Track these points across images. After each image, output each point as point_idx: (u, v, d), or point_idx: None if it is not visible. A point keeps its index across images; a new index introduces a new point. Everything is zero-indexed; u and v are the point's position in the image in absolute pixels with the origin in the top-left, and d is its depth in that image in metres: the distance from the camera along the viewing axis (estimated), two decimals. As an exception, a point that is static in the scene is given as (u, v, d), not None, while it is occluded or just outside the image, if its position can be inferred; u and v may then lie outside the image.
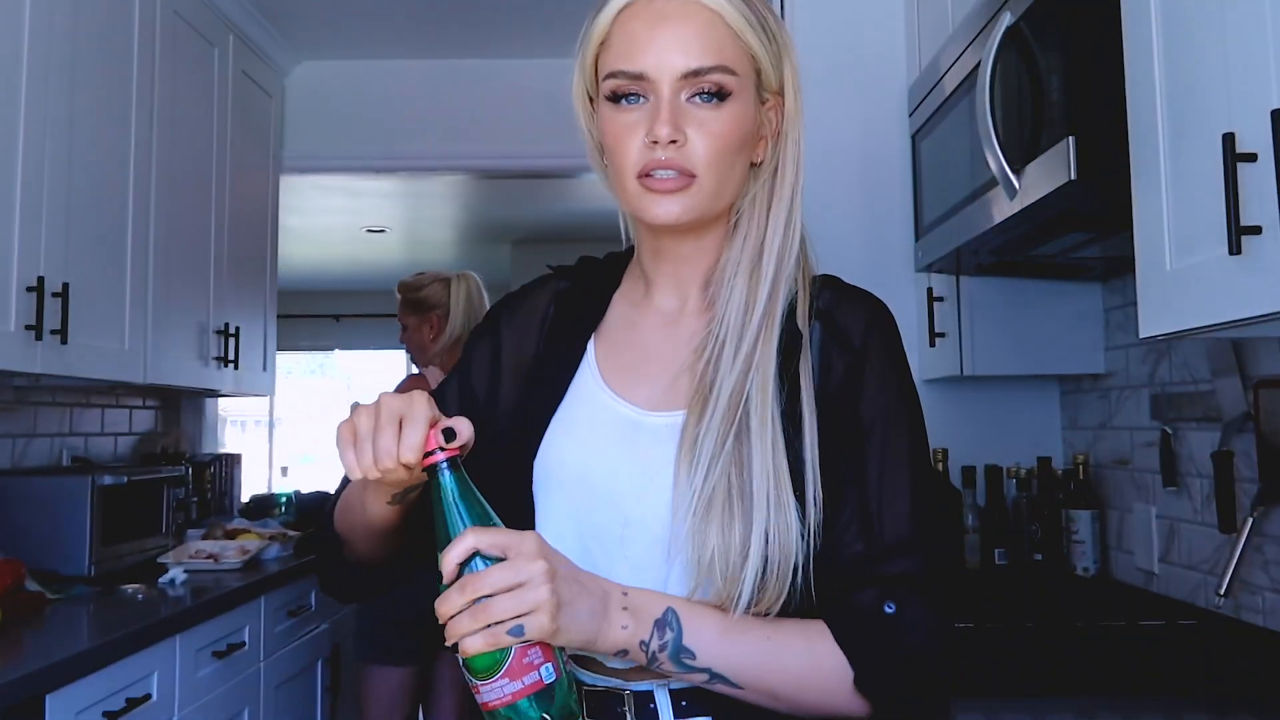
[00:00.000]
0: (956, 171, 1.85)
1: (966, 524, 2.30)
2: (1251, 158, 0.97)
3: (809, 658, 0.88)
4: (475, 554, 0.80)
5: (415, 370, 3.04)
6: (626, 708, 0.92)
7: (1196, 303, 1.10)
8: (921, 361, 2.34)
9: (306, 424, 9.09)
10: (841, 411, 0.93)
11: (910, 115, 2.21)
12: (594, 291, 1.07)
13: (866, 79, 2.46)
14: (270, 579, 2.62)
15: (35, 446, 2.76)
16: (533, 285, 1.10)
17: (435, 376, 2.77)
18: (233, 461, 3.80)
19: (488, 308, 1.79)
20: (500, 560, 0.80)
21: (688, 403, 0.94)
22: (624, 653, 0.86)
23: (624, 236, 1.07)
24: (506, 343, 1.06)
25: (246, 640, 2.49)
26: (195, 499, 3.38)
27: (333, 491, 1.06)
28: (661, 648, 0.85)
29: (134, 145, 2.57)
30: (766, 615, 0.88)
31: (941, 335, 2.22)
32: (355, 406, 0.85)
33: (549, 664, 0.81)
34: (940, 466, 2.28)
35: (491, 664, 0.80)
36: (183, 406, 3.69)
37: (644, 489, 0.93)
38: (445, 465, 0.83)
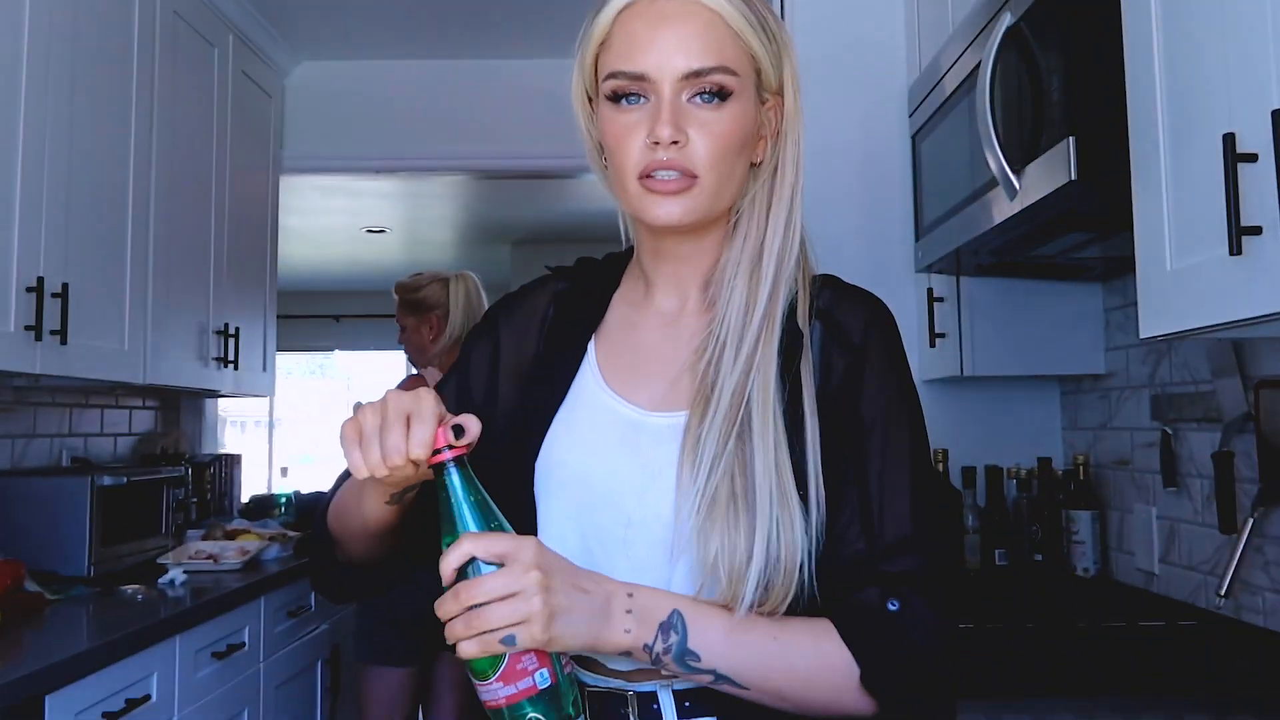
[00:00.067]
0: (956, 172, 1.85)
1: (967, 524, 2.30)
2: (1252, 158, 0.97)
3: (815, 657, 0.88)
4: (473, 559, 0.80)
5: (415, 371, 3.04)
6: (630, 709, 0.91)
7: (1197, 303, 1.10)
8: (921, 362, 2.34)
9: (306, 424, 9.10)
10: (842, 411, 0.93)
11: (910, 115, 2.21)
12: (593, 292, 1.07)
13: (866, 79, 2.46)
14: (270, 579, 2.62)
15: (35, 447, 2.75)
16: (531, 286, 1.10)
17: (434, 377, 2.77)
18: (232, 462, 3.80)
19: (486, 308, 1.79)
20: (498, 566, 0.80)
21: (689, 403, 0.94)
22: (628, 654, 0.86)
23: (623, 237, 1.07)
24: (505, 343, 1.06)
25: (246, 641, 2.49)
26: (195, 499, 3.38)
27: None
28: (666, 650, 0.85)
29: (134, 145, 2.57)
30: (773, 615, 0.88)
31: (941, 335, 2.22)
32: (358, 406, 0.85)
33: (544, 670, 0.81)
34: (940, 467, 2.28)
35: (488, 666, 0.81)
36: (182, 407, 3.69)
37: (646, 489, 0.93)
38: (452, 463, 0.83)
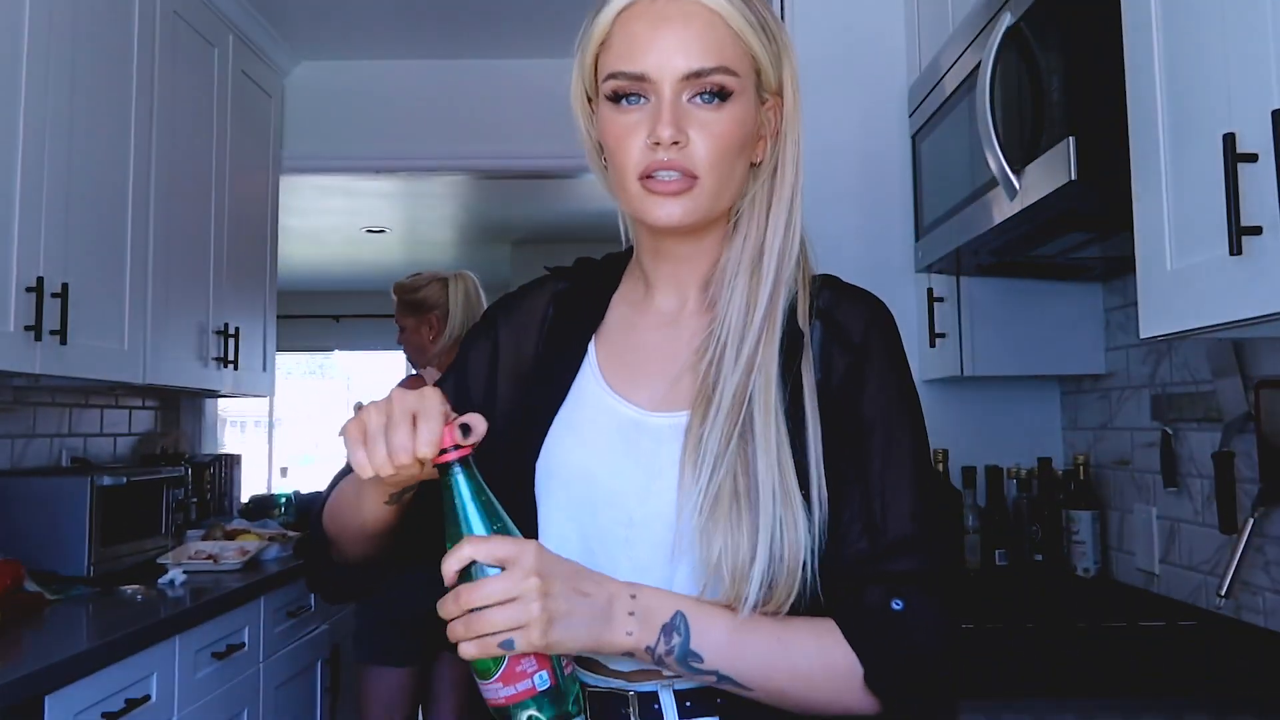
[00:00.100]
0: (956, 172, 1.85)
1: (967, 524, 2.30)
2: (1252, 158, 0.97)
3: (818, 656, 0.87)
4: (474, 561, 0.81)
5: (414, 371, 3.04)
6: (631, 709, 0.91)
7: (1197, 303, 1.10)
8: (921, 361, 2.34)
9: (306, 424, 9.10)
10: (843, 410, 0.94)
11: (910, 115, 2.20)
12: (593, 292, 1.07)
13: (866, 79, 2.46)
14: (270, 579, 2.62)
15: (34, 447, 2.75)
16: (530, 286, 1.10)
17: (434, 377, 2.77)
18: (232, 462, 3.80)
19: (485, 307, 1.79)
20: (500, 569, 0.81)
21: (690, 403, 0.94)
22: (630, 655, 0.86)
23: (623, 237, 1.07)
24: (504, 343, 1.06)
25: (246, 641, 2.49)
26: (195, 500, 3.37)
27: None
28: (668, 652, 0.85)
29: (134, 145, 2.57)
30: (776, 614, 0.88)
31: (941, 335, 2.22)
32: (359, 406, 0.85)
33: (543, 672, 0.82)
34: (940, 467, 2.28)
35: (490, 666, 0.82)
36: (182, 407, 3.69)
37: (648, 490, 0.93)
38: (458, 463, 0.83)
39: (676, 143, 0.90)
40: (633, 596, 0.85)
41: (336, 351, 9.03)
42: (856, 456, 0.93)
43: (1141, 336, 1.22)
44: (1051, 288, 2.19)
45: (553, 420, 0.99)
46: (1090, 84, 1.37)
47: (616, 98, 0.93)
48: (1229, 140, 0.99)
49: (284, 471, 8.68)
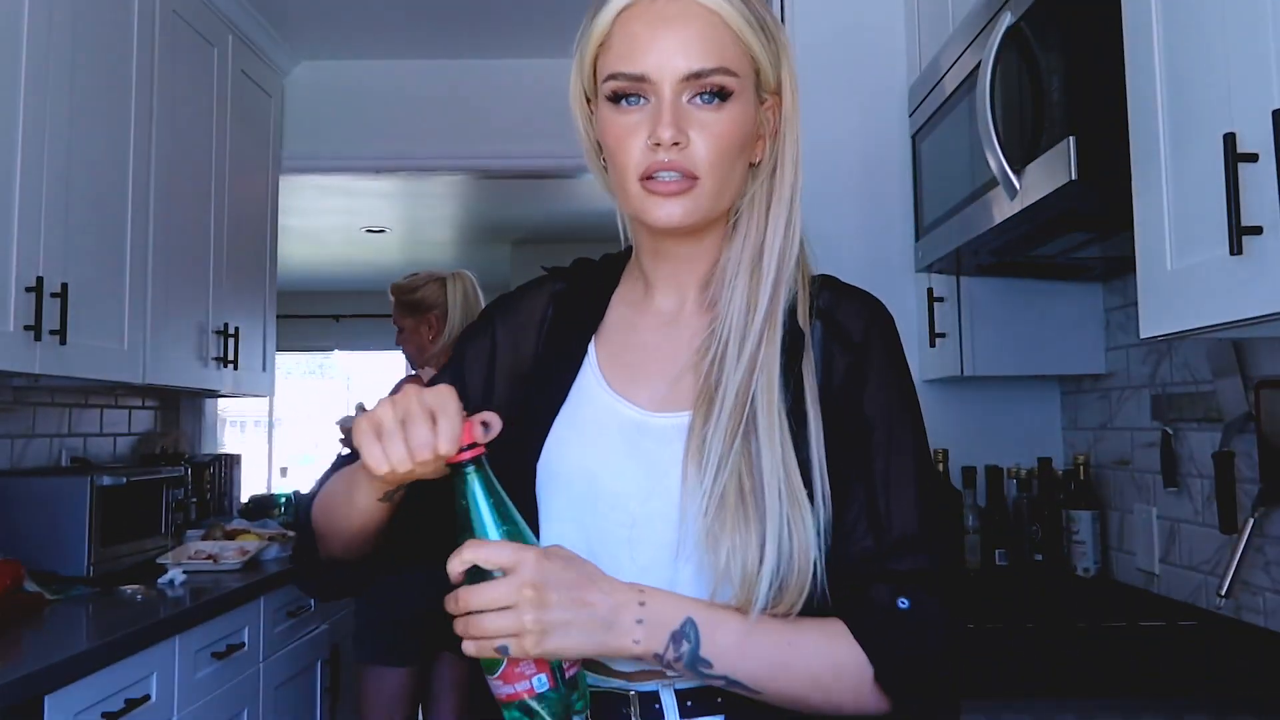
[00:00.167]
0: (957, 171, 1.85)
1: (967, 524, 2.30)
2: (1252, 158, 0.97)
3: (828, 657, 0.87)
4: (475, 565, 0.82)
5: (413, 371, 3.04)
6: (631, 708, 0.91)
7: (1197, 303, 1.09)
8: (921, 361, 2.33)
9: (306, 424, 9.09)
10: (844, 410, 0.94)
11: (910, 115, 2.20)
12: (592, 293, 1.06)
13: (866, 79, 2.46)
14: (269, 579, 2.62)
15: (34, 447, 2.75)
16: (529, 287, 1.10)
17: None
18: (232, 462, 3.80)
19: (483, 306, 1.79)
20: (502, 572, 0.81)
21: (692, 403, 0.94)
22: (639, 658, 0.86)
23: (622, 237, 1.07)
24: (502, 343, 1.06)
25: (246, 641, 2.49)
26: (194, 499, 3.37)
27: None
28: (677, 658, 0.85)
29: (133, 145, 2.57)
30: (787, 615, 0.87)
31: (941, 335, 2.22)
32: (360, 407, 0.85)
33: (541, 675, 0.82)
34: (940, 467, 2.28)
35: (491, 664, 0.83)
36: (182, 407, 3.69)
37: (650, 490, 0.93)
38: (472, 462, 0.83)
39: (677, 143, 0.90)
40: (641, 604, 0.85)
41: (336, 351, 9.03)
42: (858, 456, 0.93)
43: (1141, 336, 1.22)
44: (1051, 288, 2.19)
45: (553, 421, 0.99)
46: (1090, 84, 1.37)
47: (616, 98, 0.93)
48: (1229, 140, 0.99)
49: (284, 471, 8.68)
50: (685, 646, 0.85)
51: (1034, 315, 2.19)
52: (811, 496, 0.89)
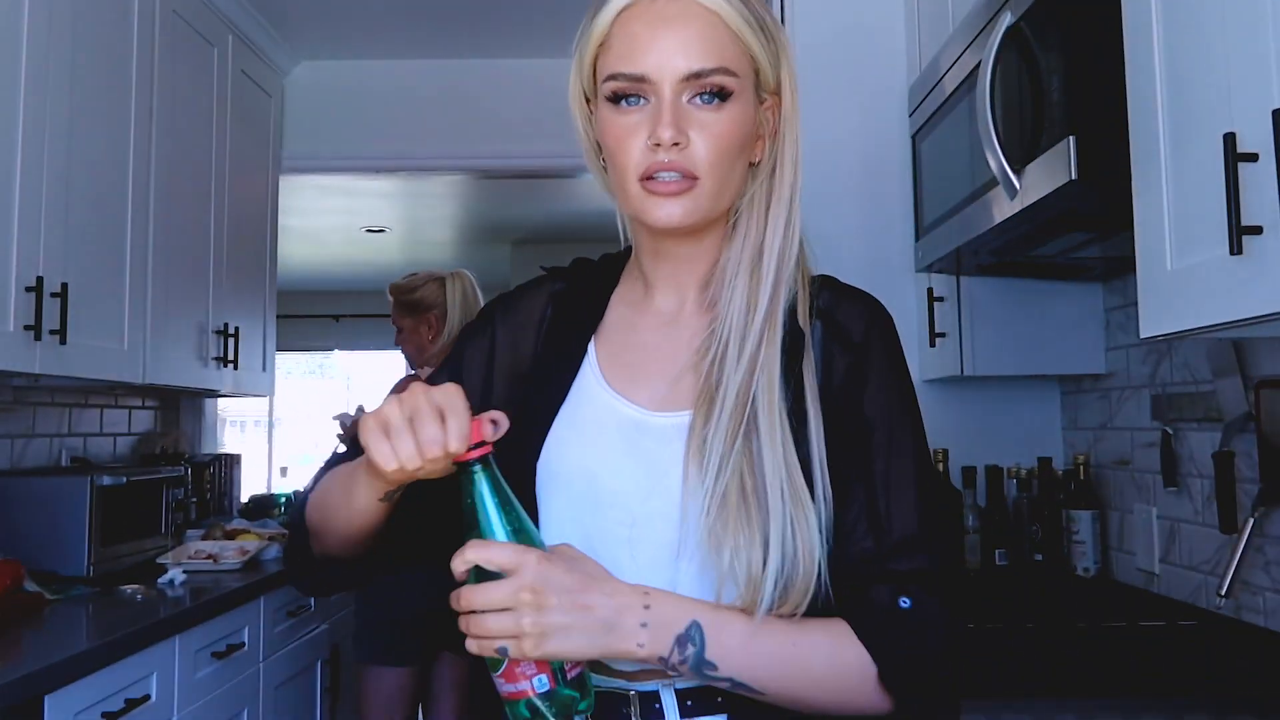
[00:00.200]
0: (957, 171, 1.85)
1: (967, 524, 2.30)
2: (1252, 157, 0.97)
3: (832, 658, 0.88)
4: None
5: (412, 371, 3.04)
6: (631, 708, 0.91)
7: (1197, 303, 1.09)
8: (921, 361, 2.33)
9: (306, 424, 9.09)
10: (844, 410, 0.94)
11: (910, 115, 2.20)
12: (591, 293, 1.06)
13: (866, 79, 2.46)
14: (269, 579, 2.62)
15: (34, 447, 2.75)
16: (527, 286, 1.10)
17: (434, 377, 2.76)
18: (232, 462, 3.80)
19: (482, 305, 1.79)
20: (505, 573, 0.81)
21: (692, 403, 0.94)
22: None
23: (621, 237, 1.07)
24: (501, 342, 1.06)
25: (246, 641, 2.49)
26: (194, 499, 3.37)
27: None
28: (682, 661, 0.85)
29: (133, 145, 2.57)
30: (793, 616, 0.87)
31: (941, 335, 2.22)
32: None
33: (541, 676, 0.82)
34: (940, 467, 2.28)
35: (494, 662, 0.83)
36: (182, 407, 3.69)
37: (651, 489, 0.93)
38: (481, 460, 0.83)
39: (677, 144, 0.90)
40: (646, 607, 0.85)
41: (336, 351, 9.03)
42: (858, 456, 0.93)
43: (1141, 336, 1.22)
44: (1051, 288, 2.19)
45: (553, 420, 0.99)
46: (1090, 84, 1.37)
47: (616, 99, 0.93)
48: (1229, 140, 0.99)
49: (284, 471, 8.67)
50: (690, 650, 0.85)
51: (1034, 315, 2.19)
52: (813, 496, 0.89)
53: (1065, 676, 1.47)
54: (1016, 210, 1.54)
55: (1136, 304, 1.22)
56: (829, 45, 2.45)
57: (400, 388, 2.55)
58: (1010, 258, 1.90)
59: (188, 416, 3.75)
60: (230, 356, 3.20)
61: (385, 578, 2.58)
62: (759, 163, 0.98)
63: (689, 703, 0.91)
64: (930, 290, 2.25)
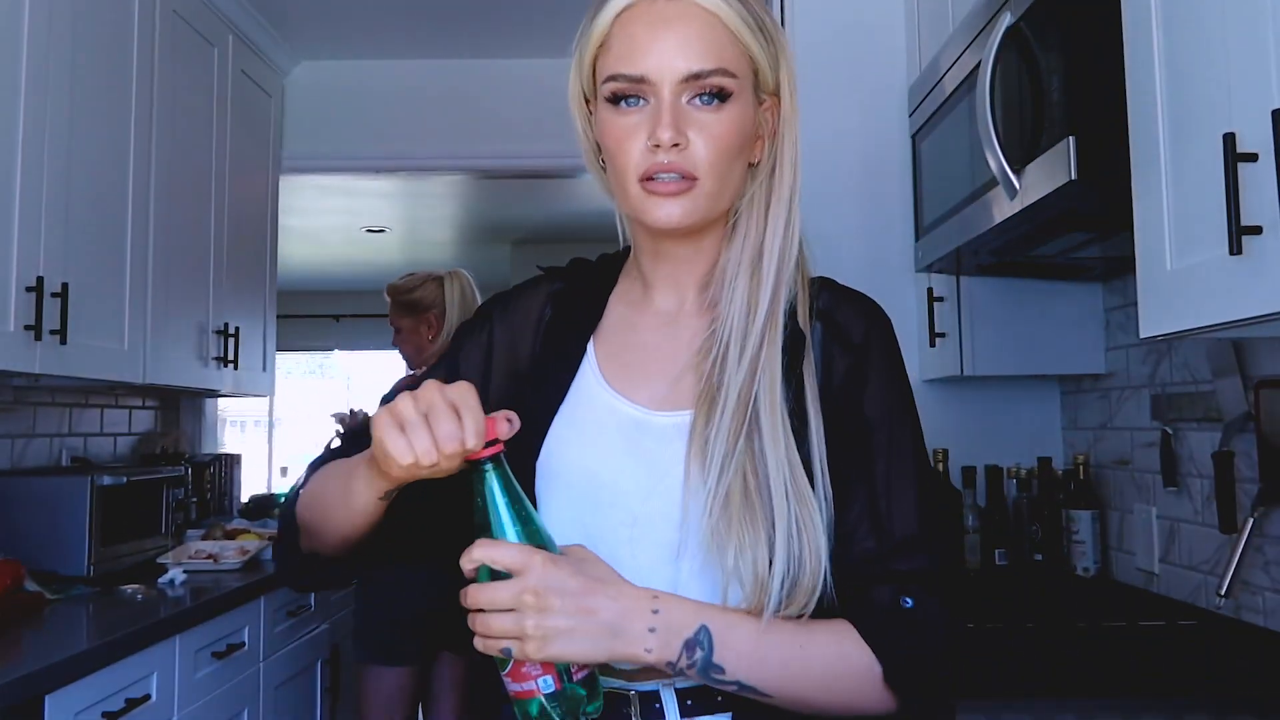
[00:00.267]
0: (956, 171, 1.85)
1: (967, 524, 2.30)
2: (1252, 157, 0.97)
3: (838, 660, 0.88)
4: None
5: (412, 371, 3.04)
6: (632, 708, 0.92)
7: (1197, 303, 1.10)
8: (921, 361, 2.34)
9: (306, 424, 9.09)
10: (844, 410, 0.94)
11: (910, 115, 2.20)
12: (590, 293, 1.06)
13: (866, 79, 2.46)
14: (270, 579, 2.62)
15: (34, 447, 2.75)
16: (525, 286, 1.10)
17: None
18: (232, 462, 3.80)
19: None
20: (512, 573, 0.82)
21: (693, 402, 0.94)
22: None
23: (620, 237, 1.07)
24: (499, 340, 1.06)
25: (246, 641, 2.49)
26: (195, 499, 3.37)
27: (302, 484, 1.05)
28: (690, 666, 0.85)
29: (133, 145, 2.57)
30: (799, 617, 0.88)
31: (941, 335, 2.22)
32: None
33: (546, 677, 0.83)
34: (940, 466, 2.28)
35: (501, 661, 0.84)
36: (182, 407, 3.69)
37: (651, 489, 0.93)
38: (492, 460, 0.83)
39: (676, 144, 0.90)
40: (654, 611, 0.85)
41: (336, 351, 9.03)
42: (859, 456, 0.93)
43: (1141, 336, 1.22)
44: (1051, 288, 2.19)
45: (552, 420, 0.99)
46: (1090, 84, 1.37)
47: (615, 100, 0.93)
48: (1229, 140, 0.99)
49: (284, 471, 8.67)
50: (698, 654, 0.85)
51: (1034, 315, 2.19)
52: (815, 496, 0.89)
53: (1065, 676, 1.47)
54: (1016, 210, 1.54)
55: (1136, 304, 1.22)
56: (829, 45, 2.45)
57: (401, 388, 2.54)
58: (1010, 258, 1.90)
59: (188, 416, 3.75)
60: (230, 356, 3.20)
61: (385, 577, 2.59)
62: (758, 163, 0.98)
63: (689, 702, 0.91)
64: (930, 290, 2.25)
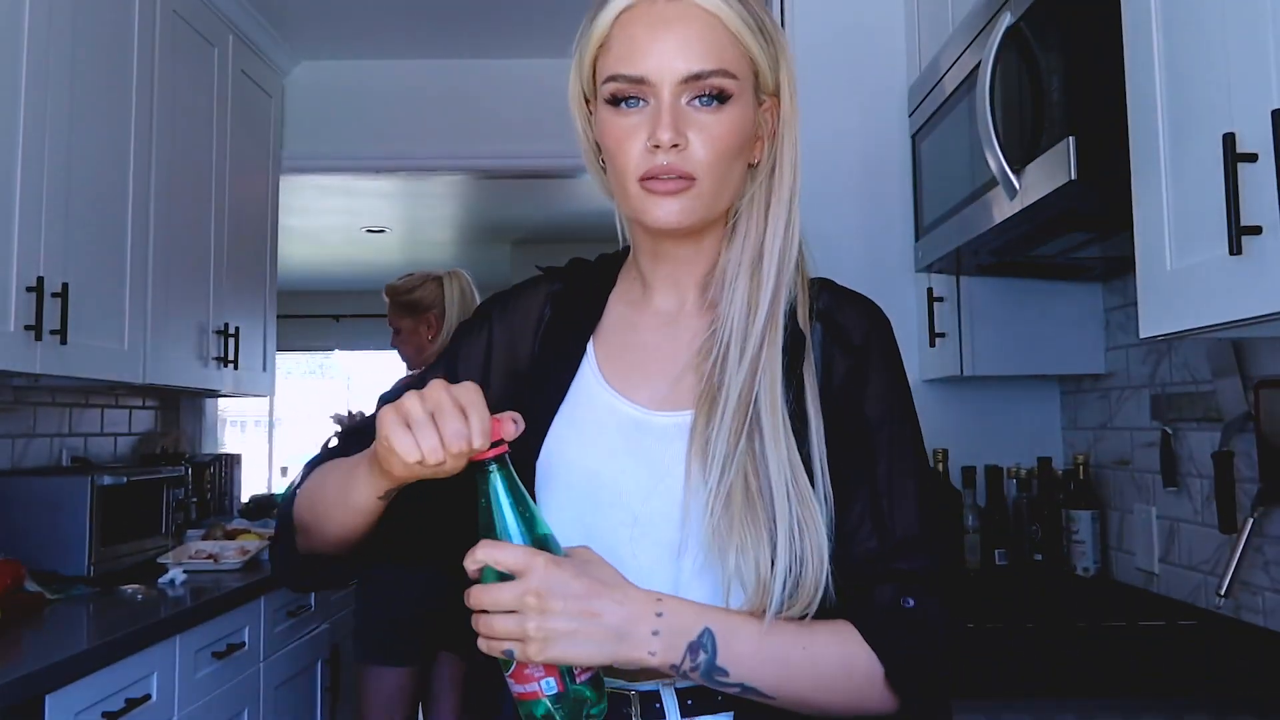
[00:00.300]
0: (956, 171, 1.85)
1: (967, 524, 2.30)
2: (1252, 158, 0.97)
3: (840, 660, 0.88)
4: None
5: (411, 371, 3.04)
6: (632, 708, 0.92)
7: (1197, 303, 1.10)
8: (921, 361, 2.34)
9: (306, 424, 9.09)
10: (844, 411, 0.94)
11: (910, 115, 2.20)
12: (589, 293, 1.06)
13: (866, 79, 2.46)
14: (270, 579, 2.62)
15: (35, 447, 2.75)
16: (524, 286, 1.10)
17: (434, 377, 2.75)
18: (232, 462, 3.80)
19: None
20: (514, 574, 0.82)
21: (693, 403, 0.94)
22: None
23: (620, 237, 1.07)
24: (498, 340, 1.06)
25: (246, 641, 2.49)
26: (195, 499, 3.38)
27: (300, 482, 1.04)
28: (694, 669, 0.85)
29: (134, 145, 2.57)
30: (802, 618, 0.88)
31: (941, 335, 2.22)
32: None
33: (549, 679, 0.83)
34: (940, 466, 2.28)
35: (505, 662, 0.84)
36: (182, 407, 3.69)
37: (652, 488, 0.93)
38: (499, 459, 0.83)
39: (676, 145, 0.90)
40: (659, 614, 0.84)
41: (336, 351, 9.03)
42: (859, 457, 0.93)
43: (1141, 336, 1.22)
44: (1051, 288, 2.19)
45: (552, 419, 0.99)
46: (1090, 84, 1.37)
47: (615, 100, 0.93)
48: (1229, 140, 0.99)
49: (284, 471, 8.66)
50: (702, 657, 0.85)
51: (1034, 315, 2.19)
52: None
53: (1065, 676, 1.47)
54: (1016, 210, 1.54)
55: (1136, 304, 1.23)
56: (829, 45, 2.45)
57: (400, 388, 2.54)
58: (1010, 258, 1.90)
59: (188, 416, 3.75)
60: (230, 356, 3.20)
61: (385, 577, 2.59)
62: (758, 164, 0.98)
63: (689, 702, 0.91)
64: (930, 290, 2.25)
